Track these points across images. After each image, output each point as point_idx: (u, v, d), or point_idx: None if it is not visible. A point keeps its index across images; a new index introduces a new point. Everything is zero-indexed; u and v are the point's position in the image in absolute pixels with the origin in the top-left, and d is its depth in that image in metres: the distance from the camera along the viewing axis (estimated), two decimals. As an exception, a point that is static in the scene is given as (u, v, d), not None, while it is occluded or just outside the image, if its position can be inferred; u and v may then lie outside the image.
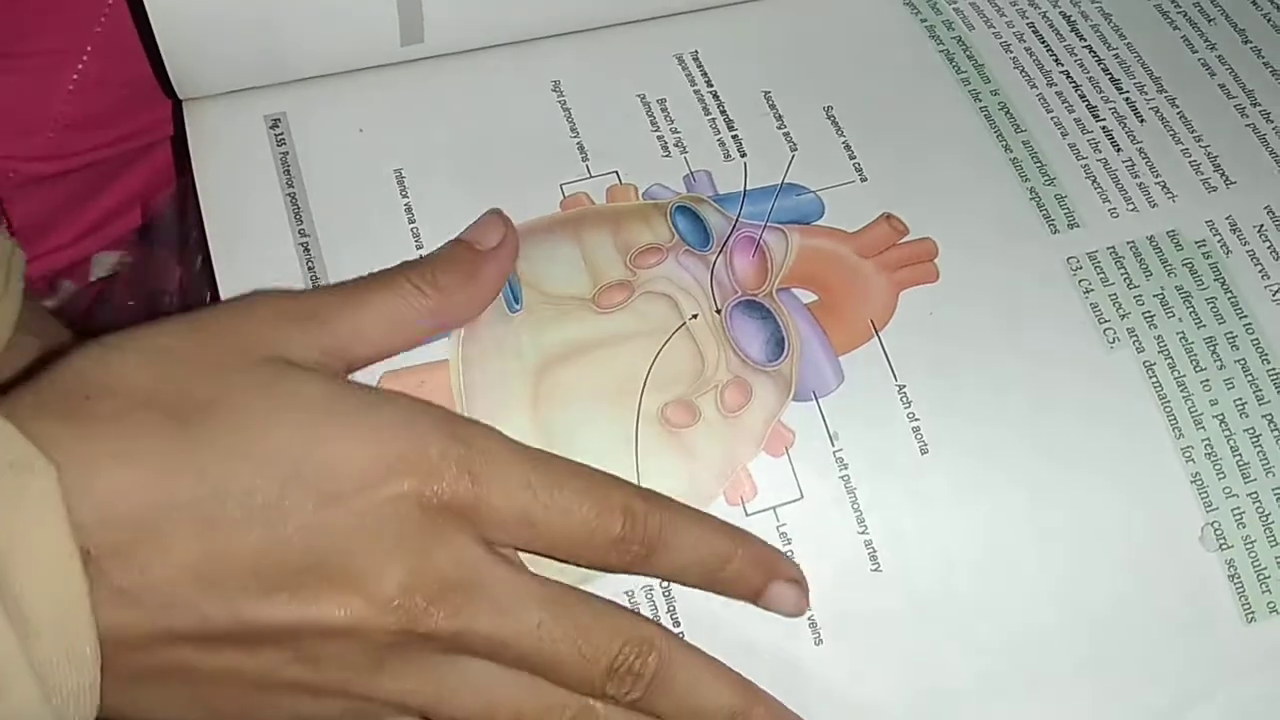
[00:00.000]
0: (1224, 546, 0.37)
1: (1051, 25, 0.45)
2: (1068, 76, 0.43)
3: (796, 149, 0.41)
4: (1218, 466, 0.37)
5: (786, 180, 0.41)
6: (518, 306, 0.38)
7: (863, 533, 0.37)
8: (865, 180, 0.41)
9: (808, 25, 0.45)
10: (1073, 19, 0.45)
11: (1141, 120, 0.42)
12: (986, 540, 0.37)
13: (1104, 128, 0.42)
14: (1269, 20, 0.45)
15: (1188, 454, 0.37)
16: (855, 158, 0.41)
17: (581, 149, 0.41)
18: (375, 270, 0.38)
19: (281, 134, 0.41)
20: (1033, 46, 0.44)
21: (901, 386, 0.38)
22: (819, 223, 0.40)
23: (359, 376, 0.37)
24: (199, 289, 0.49)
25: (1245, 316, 0.39)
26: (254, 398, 0.33)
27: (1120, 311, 0.39)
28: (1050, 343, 0.38)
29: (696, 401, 0.37)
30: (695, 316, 0.38)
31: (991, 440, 0.37)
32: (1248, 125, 0.42)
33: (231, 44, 0.41)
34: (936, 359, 0.38)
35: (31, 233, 0.49)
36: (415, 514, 0.33)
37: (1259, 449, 0.37)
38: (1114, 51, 0.44)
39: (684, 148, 0.41)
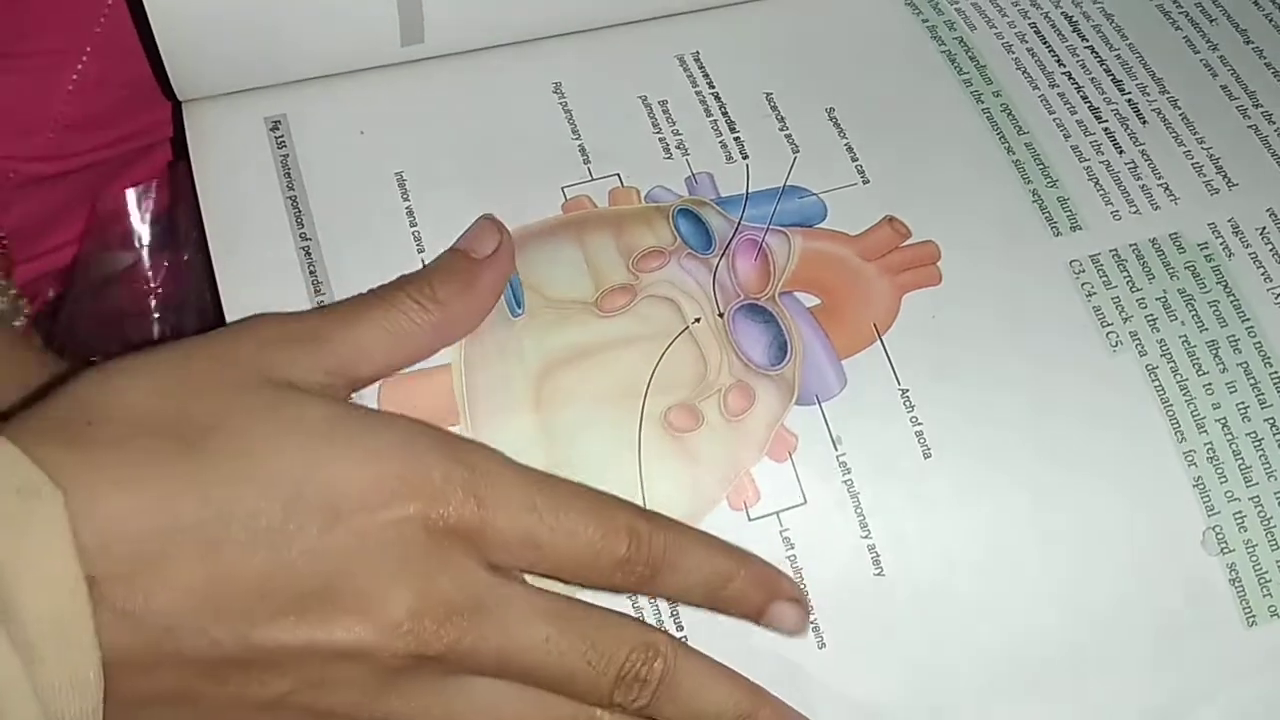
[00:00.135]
0: (1225, 550, 0.37)
1: (1054, 26, 0.45)
2: (1070, 78, 0.43)
3: (798, 151, 0.41)
4: (1220, 470, 0.37)
5: (789, 183, 0.41)
6: (520, 310, 0.38)
7: (865, 536, 0.37)
8: (867, 183, 0.41)
9: (809, 26, 0.45)
10: (1074, 19, 0.45)
11: (1144, 122, 0.42)
12: (989, 543, 0.37)
13: (1106, 129, 0.42)
14: (1271, 21, 0.45)
15: (1190, 457, 0.37)
16: (857, 160, 0.41)
17: (583, 151, 0.41)
18: (377, 269, 0.38)
19: (282, 136, 0.41)
20: (1035, 47, 0.44)
21: (904, 390, 0.38)
22: (821, 225, 0.40)
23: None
24: (196, 291, 0.49)
25: (1248, 319, 0.39)
26: (257, 421, 0.33)
27: (1123, 314, 0.39)
28: (1053, 345, 0.38)
29: (699, 406, 0.37)
30: (698, 320, 0.38)
31: (994, 443, 0.37)
32: (1250, 127, 0.42)
33: (231, 45, 0.41)
34: (939, 362, 0.38)
35: (31, 233, 0.49)
36: (420, 537, 0.33)
37: (1261, 453, 0.38)
38: (1116, 52, 0.44)
39: (686, 150, 0.41)
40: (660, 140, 0.42)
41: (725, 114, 0.42)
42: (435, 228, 0.39)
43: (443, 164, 0.41)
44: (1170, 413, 0.38)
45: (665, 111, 0.42)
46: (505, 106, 0.42)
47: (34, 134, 0.47)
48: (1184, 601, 0.37)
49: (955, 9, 0.45)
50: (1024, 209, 0.40)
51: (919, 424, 0.37)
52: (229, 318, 0.38)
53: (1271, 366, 0.38)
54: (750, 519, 0.37)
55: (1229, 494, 0.37)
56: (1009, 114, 0.42)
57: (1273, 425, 0.38)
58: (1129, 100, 0.43)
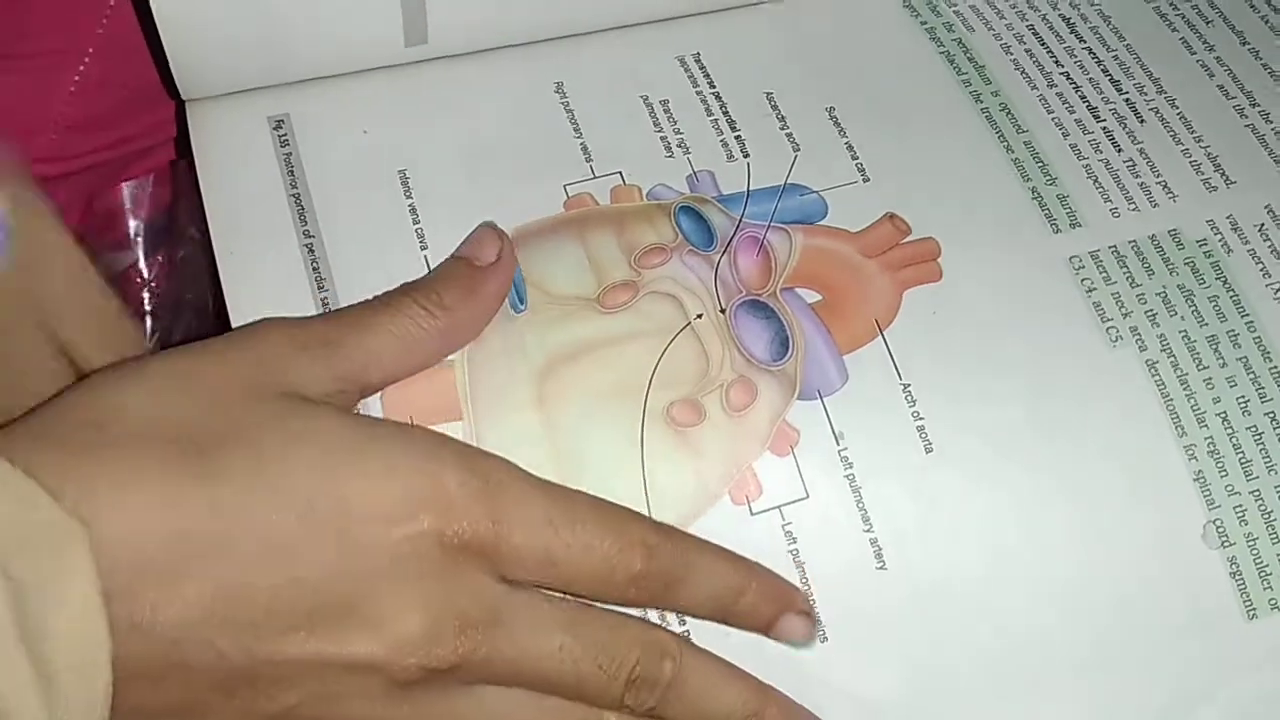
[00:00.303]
0: (1226, 544, 0.37)
1: (1051, 28, 0.45)
2: (1068, 78, 0.44)
3: (799, 149, 0.42)
4: (1220, 464, 0.38)
5: (790, 181, 0.41)
6: (522, 307, 0.38)
7: (868, 531, 0.37)
8: (868, 181, 0.41)
9: (808, 30, 0.45)
10: (1072, 21, 0.45)
11: (1142, 121, 0.43)
12: (990, 538, 0.37)
13: (1105, 128, 0.42)
14: (1267, 23, 0.46)
15: (1190, 452, 0.38)
16: (858, 158, 0.41)
17: (585, 149, 0.41)
18: (380, 267, 0.38)
19: (285, 134, 0.41)
20: (1033, 48, 0.44)
21: (906, 385, 0.38)
22: (822, 223, 0.40)
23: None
24: (193, 289, 0.49)
25: (1247, 315, 0.39)
26: (267, 433, 0.33)
27: (1123, 310, 0.39)
28: (1053, 339, 0.39)
29: (702, 401, 0.37)
30: (700, 316, 0.38)
31: (995, 437, 0.38)
32: (1247, 126, 0.43)
33: (237, 46, 0.41)
34: (940, 357, 0.38)
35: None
36: (435, 553, 0.33)
37: (1261, 446, 0.38)
38: (1113, 53, 0.44)
39: (687, 148, 0.42)
40: (661, 139, 0.42)
41: (726, 113, 0.42)
42: (438, 225, 0.39)
43: (445, 162, 0.41)
44: (1170, 407, 0.38)
45: (666, 111, 0.42)
46: (507, 106, 0.42)
47: (35, 135, 0.47)
48: (1185, 596, 0.37)
49: (953, 11, 0.45)
50: (1023, 206, 0.41)
51: (920, 419, 0.37)
52: (232, 315, 0.38)
53: (1271, 361, 0.39)
54: (752, 513, 0.37)
55: (1229, 488, 0.37)
56: (1008, 113, 0.43)
57: (1273, 419, 0.38)
58: (1127, 100, 0.43)
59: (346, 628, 0.32)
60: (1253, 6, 0.46)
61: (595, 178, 0.41)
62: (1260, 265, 0.40)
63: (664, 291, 0.39)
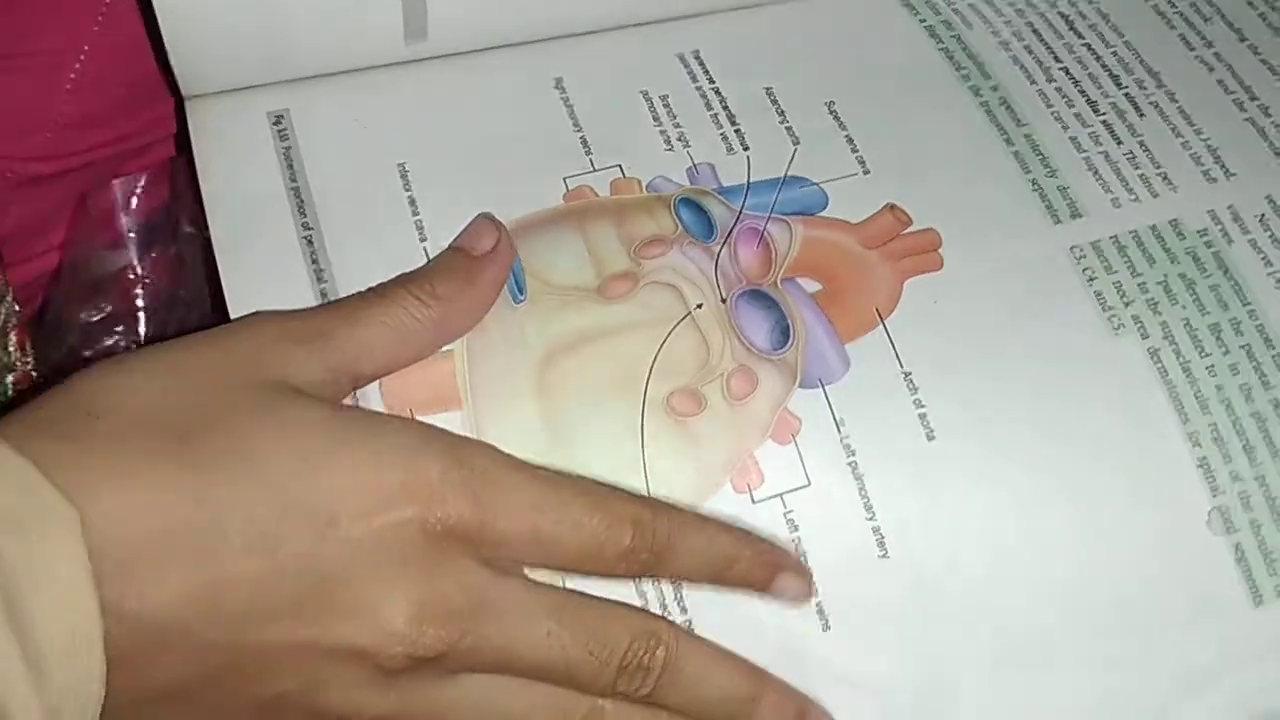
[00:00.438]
0: (1231, 530, 0.37)
1: (1050, 26, 0.45)
2: (1067, 73, 0.44)
3: (799, 143, 0.42)
4: (1224, 450, 0.37)
5: (790, 173, 0.41)
6: (522, 297, 0.38)
7: (870, 519, 0.36)
8: (868, 173, 0.41)
9: (808, 30, 0.45)
10: (1071, 19, 0.45)
11: (1141, 114, 0.43)
12: (993, 525, 0.37)
13: (1104, 121, 0.43)
14: (1265, 19, 0.46)
15: (1194, 438, 0.37)
16: (857, 151, 0.41)
17: (585, 143, 0.41)
18: (379, 258, 0.38)
19: (284, 129, 0.41)
20: (1031, 45, 0.44)
21: (907, 374, 0.38)
22: (822, 214, 0.40)
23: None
24: (188, 285, 0.49)
25: (1249, 303, 0.39)
26: (256, 423, 0.33)
27: (1124, 299, 0.39)
28: (1055, 330, 0.38)
29: (702, 390, 0.37)
30: (700, 306, 0.38)
31: (997, 425, 0.37)
32: (1246, 119, 0.43)
33: (238, 42, 0.41)
34: (942, 346, 0.38)
35: (30, 233, 0.49)
36: (419, 540, 0.33)
37: (1264, 433, 0.38)
38: (1112, 49, 0.45)
39: (687, 141, 0.42)
40: (661, 133, 0.42)
41: (726, 108, 0.42)
42: (437, 217, 0.39)
43: (445, 155, 0.41)
44: (1174, 394, 0.38)
45: (666, 105, 0.42)
46: (507, 100, 0.42)
47: (32, 133, 0.47)
48: (1189, 582, 0.37)
49: (952, 9, 0.46)
50: (1024, 197, 0.41)
51: (922, 406, 0.37)
52: (231, 308, 0.38)
53: (1273, 348, 0.38)
54: (754, 501, 0.36)
55: (1234, 474, 0.37)
56: (1007, 107, 0.43)
57: (1276, 405, 0.38)
58: (1126, 94, 0.43)
59: (332, 616, 0.32)
60: (1250, 4, 0.46)
61: (595, 170, 0.41)
62: (1261, 255, 0.40)
63: (664, 282, 0.39)
